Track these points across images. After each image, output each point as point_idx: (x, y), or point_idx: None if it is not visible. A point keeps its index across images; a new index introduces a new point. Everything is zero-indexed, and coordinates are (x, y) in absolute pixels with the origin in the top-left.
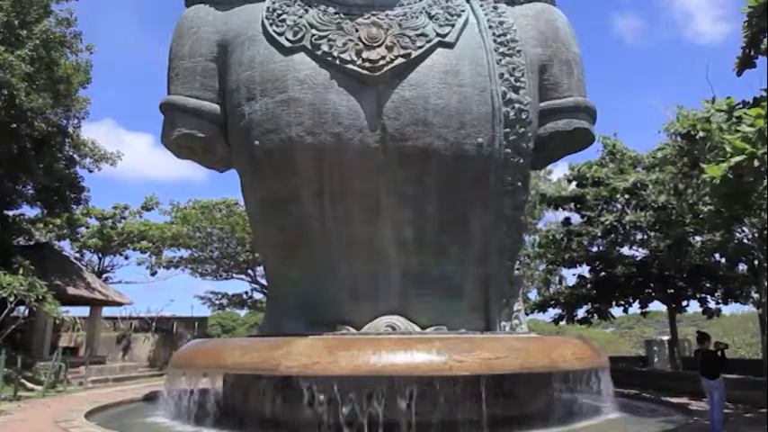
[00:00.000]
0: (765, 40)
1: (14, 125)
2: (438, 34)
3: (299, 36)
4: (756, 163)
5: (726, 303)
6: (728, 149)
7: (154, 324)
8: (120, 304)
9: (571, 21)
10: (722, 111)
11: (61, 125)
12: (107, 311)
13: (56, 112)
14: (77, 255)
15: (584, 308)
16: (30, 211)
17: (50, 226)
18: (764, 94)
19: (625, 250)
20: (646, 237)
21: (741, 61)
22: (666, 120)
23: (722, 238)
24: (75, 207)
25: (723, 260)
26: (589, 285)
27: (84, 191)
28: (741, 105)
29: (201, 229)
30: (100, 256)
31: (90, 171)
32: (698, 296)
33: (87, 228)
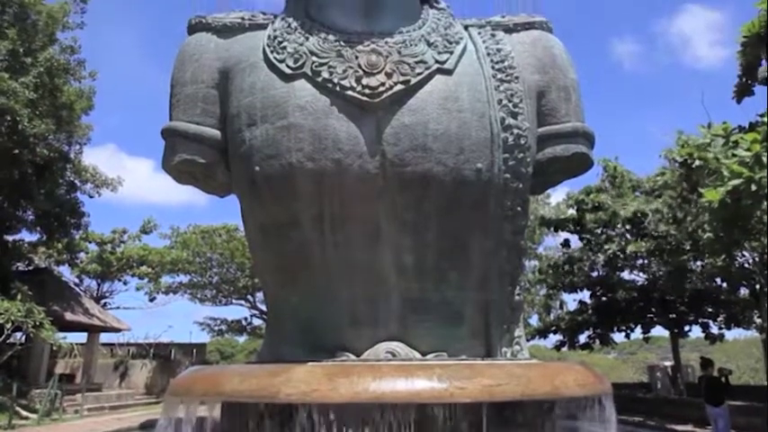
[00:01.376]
0: (762, 68)
1: (17, 151)
2: (437, 61)
3: (300, 63)
4: (754, 187)
5: (728, 328)
6: (726, 174)
7: (152, 350)
8: (117, 330)
9: (570, 46)
10: (718, 136)
11: (63, 151)
12: (105, 337)
13: (58, 138)
14: (76, 280)
15: (586, 333)
16: (29, 237)
17: (50, 251)
18: (760, 118)
19: (625, 275)
20: (646, 262)
21: (739, 90)
22: (665, 145)
23: (723, 263)
24: (74, 232)
25: (724, 285)
26: (590, 311)
27: (85, 216)
28: (737, 130)
29: (201, 254)
30: (99, 281)
31: (90, 196)
32: (700, 321)
33: (87, 253)
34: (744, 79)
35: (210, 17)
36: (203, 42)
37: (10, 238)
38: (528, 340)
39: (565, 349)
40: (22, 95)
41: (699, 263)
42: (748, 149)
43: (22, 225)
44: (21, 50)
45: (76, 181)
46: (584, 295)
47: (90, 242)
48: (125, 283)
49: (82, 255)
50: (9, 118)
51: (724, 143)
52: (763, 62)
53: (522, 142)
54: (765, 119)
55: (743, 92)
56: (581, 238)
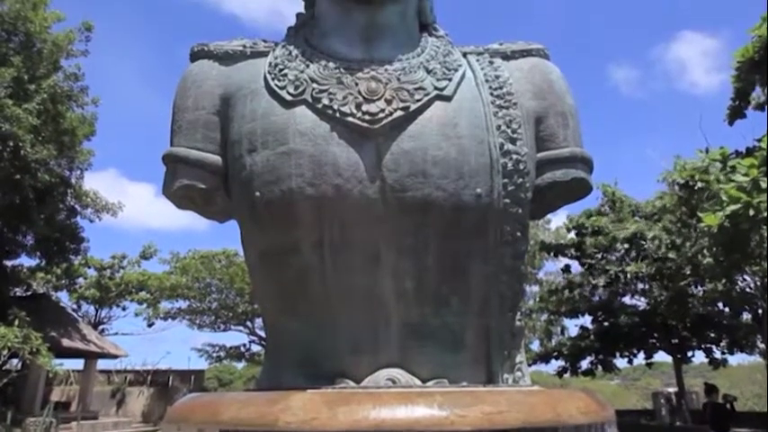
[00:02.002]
0: (756, 92)
1: (18, 176)
2: (436, 88)
3: (301, 90)
4: (752, 211)
5: (731, 353)
6: (724, 198)
7: (149, 377)
8: (115, 356)
9: (568, 72)
10: (716, 160)
11: (64, 176)
12: (102, 364)
13: (59, 164)
14: (74, 306)
15: (588, 359)
16: (28, 261)
17: (48, 276)
18: (757, 143)
19: (627, 300)
20: (647, 287)
21: (732, 112)
22: (663, 169)
23: (724, 287)
24: (74, 257)
25: (726, 309)
26: (592, 336)
27: (84, 241)
28: (734, 155)
29: (200, 279)
30: (97, 307)
31: (91, 221)
32: (703, 346)
33: (85, 278)
34: (737, 102)
35: (212, 45)
36: (205, 69)
37: (9, 263)
38: (529, 366)
39: (567, 375)
40: (25, 121)
41: (700, 287)
42: (746, 174)
43: (22, 250)
44: (25, 77)
45: (77, 206)
46: (586, 320)
47: (89, 267)
48: (123, 309)
49: (81, 280)
50: (12, 144)
51: (722, 168)
52: (757, 88)
53: (522, 167)
54: (762, 144)
55: (735, 114)
56: (581, 263)
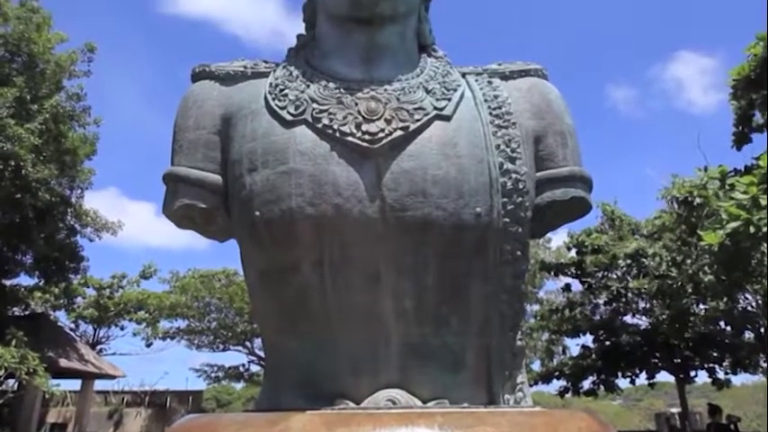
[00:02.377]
0: (756, 116)
1: (19, 195)
2: (435, 108)
3: (301, 110)
4: (752, 229)
5: (735, 373)
6: (724, 216)
7: (147, 398)
8: (112, 377)
9: (567, 92)
10: (715, 178)
11: (65, 195)
12: (99, 384)
13: (60, 183)
14: (72, 325)
15: (590, 379)
16: (27, 281)
17: (47, 296)
18: (755, 161)
19: (628, 319)
20: (648, 305)
21: (738, 139)
22: (662, 187)
23: (726, 306)
24: (73, 277)
25: (729, 328)
26: (594, 355)
27: (84, 260)
28: (733, 173)
29: (200, 298)
30: (95, 327)
31: (90, 240)
32: (705, 366)
33: (84, 298)
34: (740, 128)
35: (214, 66)
36: (206, 90)
37: (7, 282)
38: (531, 386)
39: (569, 396)
40: (26, 141)
41: (701, 306)
42: (745, 192)
43: (21, 269)
44: (27, 97)
45: (77, 225)
46: (587, 340)
47: (88, 287)
48: (122, 329)
49: (79, 299)
50: (13, 163)
51: (720, 186)
52: (756, 112)
53: (521, 187)
54: (761, 162)
55: (741, 140)
56: (582, 282)
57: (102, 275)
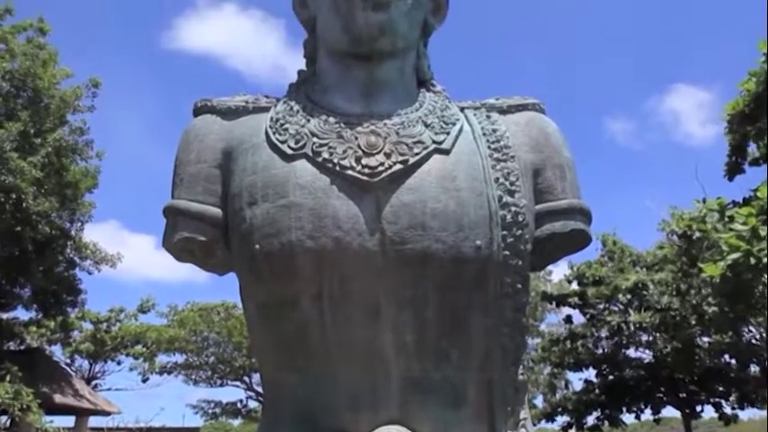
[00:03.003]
0: (752, 147)
1: (19, 228)
2: (434, 141)
3: (301, 144)
4: (753, 260)
5: (742, 408)
6: (724, 248)
7: None
8: (108, 413)
9: (566, 125)
10: (713, 210)
11: (64, 228)
12: (94, 421)
13: (60, 216)
14: (68, 360)
15: (594, 414)
16: (24, 314)
17: (43, 330)
18: (752, 193)
19: (631, 352)
20: (651, 338)
21: (730, 169)
22: (661, 219)
23: (731, 339)
24: (70, 310)
25: (734, 361)
26: (597, 390)
27: (82, 293)
28: (731, 205)
29: (198, 332)
30: (91, 361)
31: (89, 273)
32: (712, 401)
33: (81, 332)
34: (733, 158)
35: (215, 100)
36: (208, 124)
37: (4, 316)
38: (534, 424)
39: None
40: (28, 174)
41: (706, 339)
42: (744, 223)
43: (18, 302)
44: (31, 131)
45: (76, 258)
46: (590, 374)
47: (85, 321)
48: (118, 363)
49: (76, 333)
50: (14, 196)
51: (719, 218)
52: (751, 143)
53: (521, 219)
54: (759, 193)
55: (734, 171)
56: (583, 313)
57: (101, 309)
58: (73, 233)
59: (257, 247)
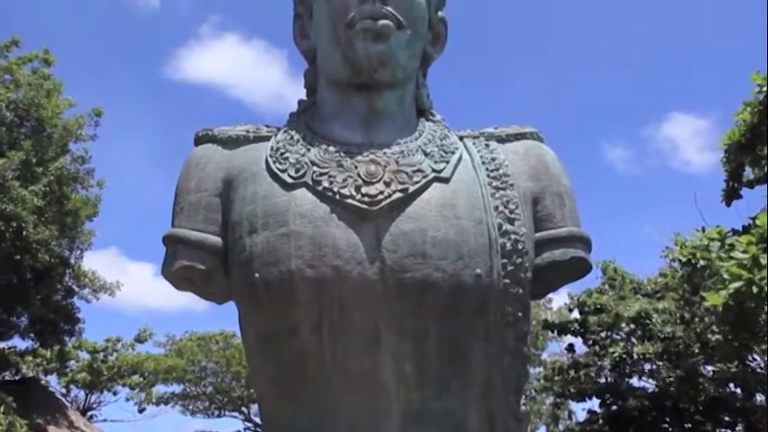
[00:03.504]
0: (747, 171)
1: (18, 256)
2: (434, 170)
3: (301, 173)
4: (755, 289)
5: None
6: (726, 276)
7: None
8: None
9: (566, 151)
10: (713, 239)
11: (64, 256)
12: None
13: (60, 244)
14: (63, 390)
15: None
16: (20, 343)
17: (39, 359)
18: (751, 221)
19: (635, 381)
20: (655, 367)
21: (727, 194)
22: (661, 245)
23: (736, 368)
24: (67, 339)
25: (739, 390)
26: (601, 421)
27: (79, 322)
28: (731, 233)
29: (196, 362)
30: (87, 392)
31: (88, 302)
32: (718, 431)
33: (77, 361)
34: (731, 184)
35: (216, 130)
36: (209, 153)
37: (0, 345)
38: None
39: None
40: (29, 203)
41: (710, 367)
42: (745, 251)
43: (14, 331)
44: (33, 160)
45: (74, 286)
46: (594, 404)
47: (82, 350)
48: (115, 394)
49: (72, 363)
50: (14, 224)
51: (720, 247)
52: (747, 168)
53: (520, 247)
54: (758, 221)
55: (731, 196)
56: (585, 342)
57: (99, 338)
58: (72, 261)
59: (257, 275)
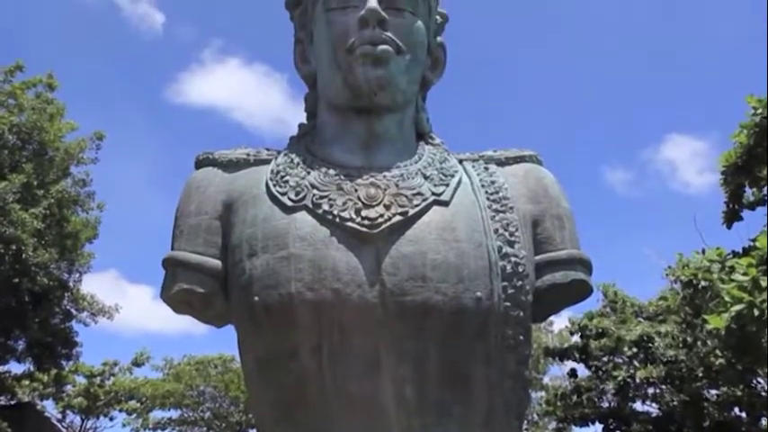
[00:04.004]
0: (747, 192)
1: (17, 279)
2: (433, 193)
3: (301, 196)
4: (756, 312)
5: None
6: (727, 299)
7: None
8: None
9: (564, 174)
10: (714, 261)
11: (62, 279)
12: None
13: (59, 266)
14: (59, 415)
15: None
16: (17, 367)
17: (36, 383)
18: (751, 243)
19: (638, 406)
20: (658, 391)
21: (728, 216)
22: (661, 268)
23: (740, 392)
24: (65, 363)
25: (744, 414)
26: None
27: (77, 346)
28: (731, 255)
29: (194, 386)
30: (83, 417)
31: (86, 325)
32: None
33: (74, 386)
34: (731, 206)
35: (217, 153)
36: (209, 176)
37: None
38: None
39: None
40: (30, 226)
41: (714, 391)
42: (745, 274)
43: (11, 356)
44: (34, 183)
45: (72, 309)
46: (597, 429)
47: (78, 374)
48: (111, 419)
49: (69, 387)
50: (14, 247)
51: (721, 269)
52: (747, 189)
53: (521, 270)
54: (758, 243)
55: (731, 218)
56: (588, 367)
57: (97, 361)
58: (71, 284)
59: (256, 298)
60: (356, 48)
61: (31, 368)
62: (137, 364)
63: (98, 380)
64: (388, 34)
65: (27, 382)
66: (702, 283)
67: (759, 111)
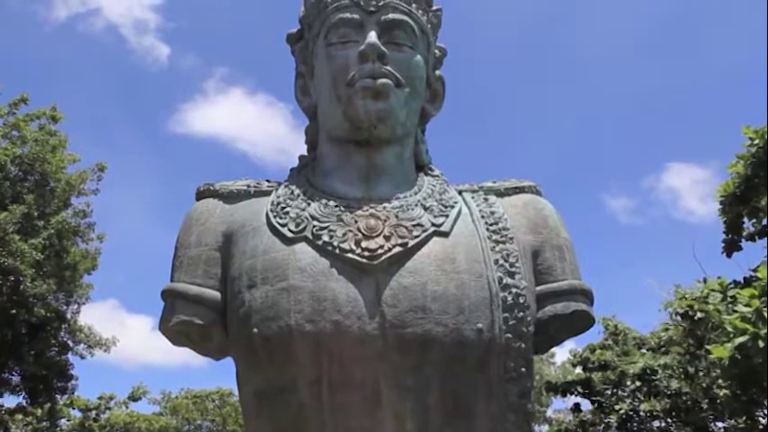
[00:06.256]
0: (747, 224)
1: (14, 311)
2: (433, 224)
3: (301, 227)
4: (761, 343)
5: None
6: (730, 330)
7: None
8: None
9: (567, 202)
10: (715, 291)
11: (60, 311)
12: None
13: (57, 297)
14: None
15: None
16: (10, 401)
17: (30, 417)
18: (752, 274)
19: None
20: (664, 424)
21: (727, 246)
22: (662, 298)
23: (746, 424)
24: (60, 397)
25: None
26: None
27: (73, 379)
28: (732, 285)
29: (192, 421)
30: None
31: (82, 357)
32: None
33: (69, 420)
34: (730, 236)
35: (218, 184)
36: (209, 207)
37: None
38: None
39: None
40: (29, 257)
41: (720, 423)
42: (747, 305)
43: (5, 389)
44: (35, 214)
45: (69, 341)
46: None
47: (74, 408)
48: None
49: (63, 422)
50: (12, 278)
51: (722, 299)
52: (746, 220)
53: (521, 301)
54: (759, 273)
55: (731, 248)
56: (591, 401)
57: (93, 394)
58: (68, 315)
59: (255, 330)
60: (356, 81)
61: (25, 402)
62: (133, 398)
63: (93, 414)
64: (388, 68)
65: (21, 416)
66: (698, 314)
67: (755, 141)
